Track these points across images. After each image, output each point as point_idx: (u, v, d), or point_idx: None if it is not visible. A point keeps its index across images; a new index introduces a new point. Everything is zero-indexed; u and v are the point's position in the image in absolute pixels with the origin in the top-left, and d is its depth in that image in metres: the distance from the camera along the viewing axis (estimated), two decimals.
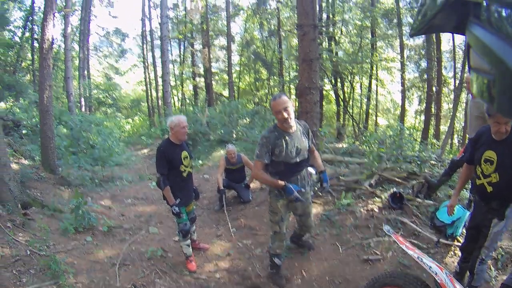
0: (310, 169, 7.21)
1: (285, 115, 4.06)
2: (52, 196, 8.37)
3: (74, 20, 28.77)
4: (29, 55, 25.00)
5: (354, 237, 5.92)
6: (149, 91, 31.19)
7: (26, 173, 8.86)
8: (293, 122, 4.23)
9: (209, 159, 13.44)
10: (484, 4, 0.86)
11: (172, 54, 30.35)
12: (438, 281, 3.01)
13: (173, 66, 30.94)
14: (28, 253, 5.13)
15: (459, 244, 5.27)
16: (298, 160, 4.38)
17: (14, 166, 9.22)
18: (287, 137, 4.24)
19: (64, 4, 19.98)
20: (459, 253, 4.77)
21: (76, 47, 29.78)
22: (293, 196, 4.21)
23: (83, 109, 25.33)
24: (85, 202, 6.67)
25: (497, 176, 3.52)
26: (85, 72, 28.03)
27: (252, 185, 8.23)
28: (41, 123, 9.81)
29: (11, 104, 15.64)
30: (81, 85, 26.05)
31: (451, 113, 19.50)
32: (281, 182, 4.24)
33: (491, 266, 4.85)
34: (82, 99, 25.93)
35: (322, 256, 5.55)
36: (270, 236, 4.91)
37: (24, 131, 13.08)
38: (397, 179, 7.68)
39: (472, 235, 4.12)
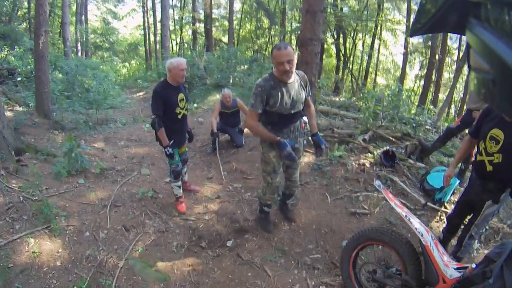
0: (305, 118, 7.17)
1: (287, 67, 3.84)
2: (45, 141, 8.37)
3: None
4: (26, 3, 24.47)
5: (344, 189, 6.01)
6: (147, 35, 30.67)
7: (20, 119, 8.84)
8: (293, 74, 4.05)
9: (205, 103, 13.38)
10: (484, 4, 0.85)
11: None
12: (423, 242, 3.05)
13: (173, 11, 30.48)
14: (21, 199, 5.16)
15: (447, 211, 5.39)
16: (292, 112, 4.20)
17: (8, 113, 9.22)
18: (283, 88, 4.03)
19: None
20: (445, 220, 4.78)
21: None
22: (286, 151, 4.04)
23: (79, 54, 25.09)
24: (78, 145, 6.63)
25: (500, 157, 3.34)
26: (83, 17, 27.54)
27: (246, 130, 8.19)
28: (36, 69, 9.68)
29: (6, 53, 15.37)
30: (78, 30, 25.65)
31: (451, 83, 19.47)
32: (275, 137, 4.11)
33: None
34: (79, 44, 25.62)
35: (311, 205, 5.64)
36: (262, 186, 4.79)
37: (18, 79, 12.91)
38: (391, 138, 7.75)
39: (462, 209, 4.05)
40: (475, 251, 4.80)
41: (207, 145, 8.40)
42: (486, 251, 4.65)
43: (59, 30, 26.66)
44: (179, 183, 5.47)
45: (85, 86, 13.61)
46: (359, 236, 3.55)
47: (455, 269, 2.95)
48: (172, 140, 5.09)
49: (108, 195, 5.76)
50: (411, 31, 1.18)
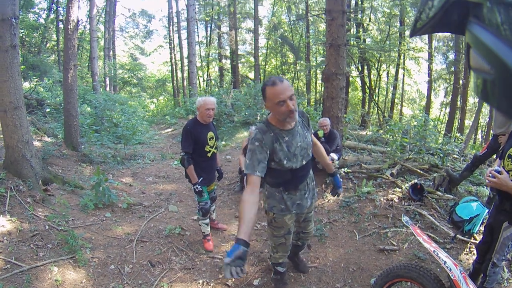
0: (333, 155, 7.15)
1: (291, 105, 2.98)
2: (73, 172, 8.51)
3: (100, 1, 28.94)
4: (54, 36, 25.38)
5: (372, 225, 5.93)
6: (174, 72, 31.23)
7: (49, 150, 9.02)
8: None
9: (232, 140, 13.51)
10: (484, 4, 0.83)
11: (198, 36, 30.66)
12: (452, 277, 2.97)
13: (199, 47, 31.20)
14: (47, 228, 5.22)
15: (476, 242, 5.21)
16: (304, 162, 3.43)
17: (36, 143, 9.40)
18: (286, 137, 3.23)
19: None
20: (475, 251, 4.64)
21: (102, 28, 30.00)
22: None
23: (107, 88, 25.70)
24: (106, 179, 6.72)
25: None
26: (111, 52, 28.32)
27: None
28: (65, 102, 9.94)
29: (35, 83, 15.86)
30: (106, 65, 26.32)
31: (476, 108, 19.27)
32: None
33: (505, 268, 4.76)
34: (107, 79, 26.24)
35: (339, 242, 5.57)
36: (272, 247, 4.05)
37: (47, 110, 13.31)
38: (418, 170, 7.66)
39: (486, 234, 3.93)
40: (505, 281, 4.63)
41: (235, 183, 8.40)
42: None
43: (87, 64, 27.51)
44: (207, 220, 5.46)
45: (113, 121, 13.91)
46: (387, 273, 3.46)
47: None
48: (201, 178, 5.12)
49: (134, 230, 5.79)
50: (411, 32, 1.15)
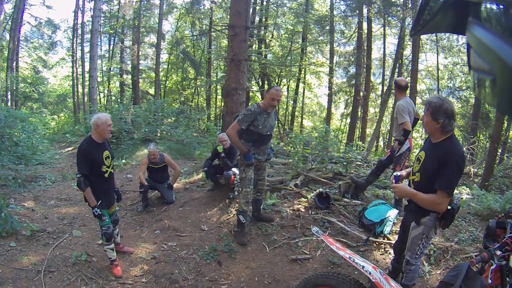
0: (234, 170, 7.50)
1: (275, 104, 5.67)
2: None
3: (8, 7, 26.65)
4: None
5: (281, 236, 6.05)
6: (75, 87, 29.76)
7: None
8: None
9: (133, 158, 13.16)
10: (484, 3, 0.87)
11: (101, 50, 29.61)
12: (373, 280, 3.00)
13: (102, 61, 30.10)
14: None
15: (390, 242, 5.51)
16: (268, 133, 5.89)
17: None
18: (265, 115, 5.67)
19: None
20: (392, 251, 4.92)
21: (7, 36, 27.88)
22: (250, 161, 5.67)
23: (9, 103, 24.07)
24: (7, 204, 6.35)
25: (419, 176, 3.54)
26: (14, 64, 26.50)
27: (175, 186, 8.13)
28: None
29: None
30: (8, 78, 24.67)
31: (377, 117, 20.29)
32: (245, 149, 5.69)
33: (424, 262, 5.09)
34: (9, 93, 24.60)
35: (249, 257, 5.62)
36: (241, 196, 5.99)
37: None
38: (322, 179, 7.94)
39: (400, 234, 4.14)
40: (427, 274, 4.93)
41: (138, 202, 8.15)
42: (438, 272, 4.84)
43: None
44: (112, 245, 5.23)
45: (14, 140, 13.04)
46: (304, 284, 3.45)
47: None
48: (100, 200, 4.94)
49: (41, 260, 5.46)
50: (412, 32, 1.19)
